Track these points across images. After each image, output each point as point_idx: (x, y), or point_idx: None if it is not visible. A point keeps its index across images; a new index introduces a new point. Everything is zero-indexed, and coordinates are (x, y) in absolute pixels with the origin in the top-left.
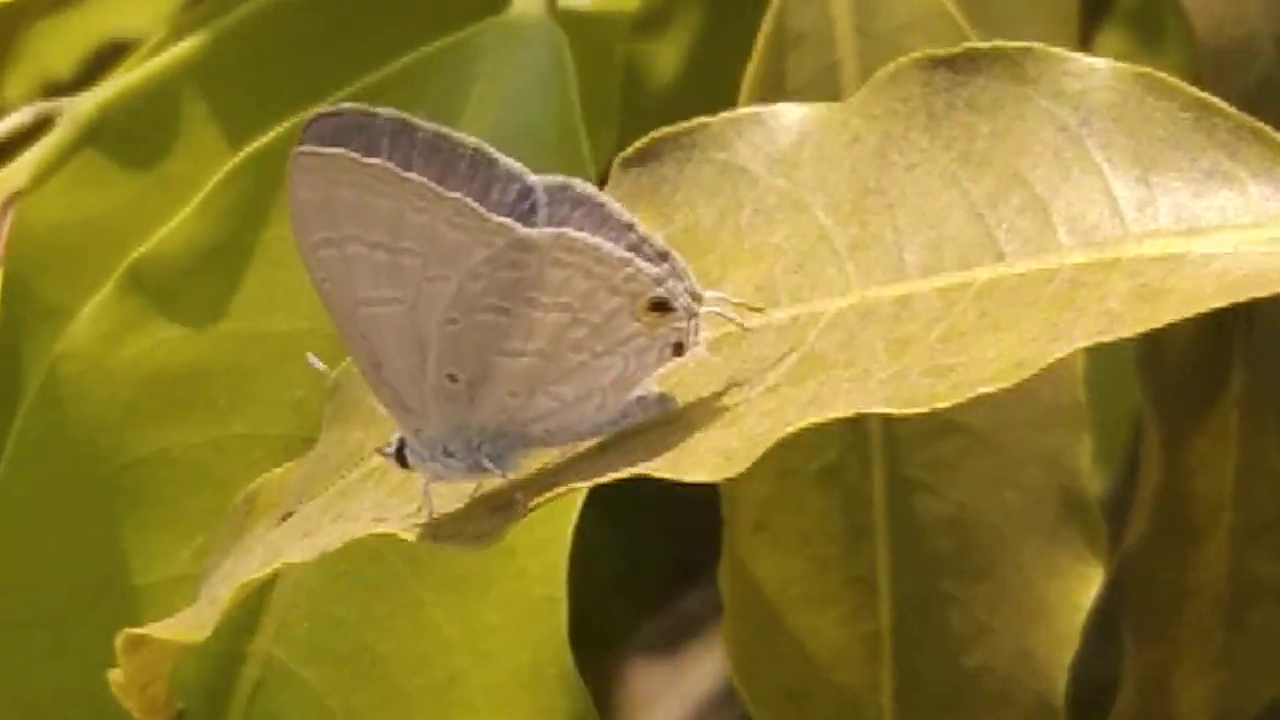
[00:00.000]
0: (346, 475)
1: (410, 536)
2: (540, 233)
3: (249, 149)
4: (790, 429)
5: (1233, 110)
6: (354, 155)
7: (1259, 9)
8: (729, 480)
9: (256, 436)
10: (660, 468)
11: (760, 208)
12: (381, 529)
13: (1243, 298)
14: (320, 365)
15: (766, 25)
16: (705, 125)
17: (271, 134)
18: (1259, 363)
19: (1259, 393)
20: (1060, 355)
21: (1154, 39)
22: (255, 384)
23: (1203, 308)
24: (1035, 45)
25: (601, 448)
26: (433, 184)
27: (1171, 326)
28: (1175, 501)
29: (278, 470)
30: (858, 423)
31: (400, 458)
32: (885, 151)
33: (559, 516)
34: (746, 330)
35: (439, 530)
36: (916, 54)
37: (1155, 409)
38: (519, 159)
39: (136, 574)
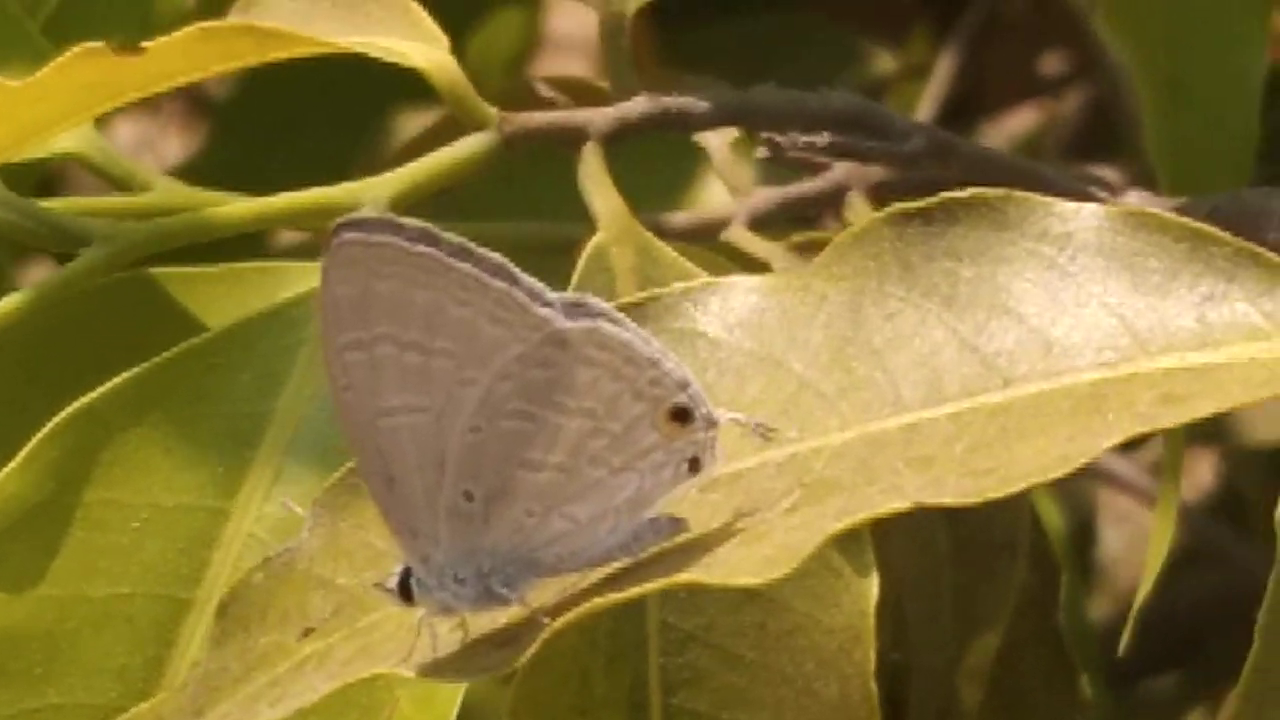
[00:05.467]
0: (275, 668)
1: (409, 673)
2: (575, 326)
3: (73, 406)
4: (830, 533)
5: (1229, 236)
6: (402, 243)
7: None
8: None
9: (74, 707)
10: (699, 575)
11: (727, 368)
12: (380, 669)
13: (1267, 396)
14: (298, 510)
15: None
16: (656, 297)
17: (96, 392)
18: None
19: None
20: (1106, 448)
21: None
22: (74, 651)
23: (1230, 406)
24: (1015, 192)
25: (624, 570)
26: (482, 273)
27: None
28: None
29: (144, 705)
30: None
31: (404, 589)
32: (859, 305)
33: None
34: (761, 446)
35: (442, 666)
36: (883, 212)
37: None
38: None
39: None
